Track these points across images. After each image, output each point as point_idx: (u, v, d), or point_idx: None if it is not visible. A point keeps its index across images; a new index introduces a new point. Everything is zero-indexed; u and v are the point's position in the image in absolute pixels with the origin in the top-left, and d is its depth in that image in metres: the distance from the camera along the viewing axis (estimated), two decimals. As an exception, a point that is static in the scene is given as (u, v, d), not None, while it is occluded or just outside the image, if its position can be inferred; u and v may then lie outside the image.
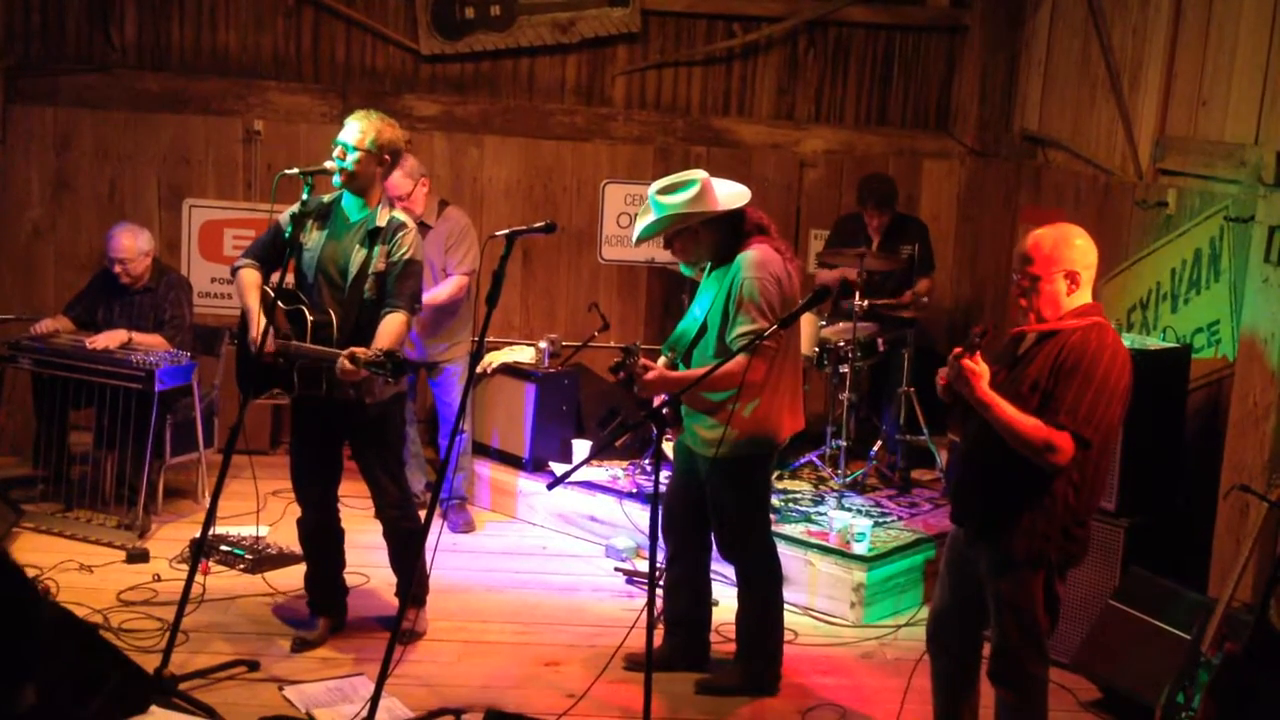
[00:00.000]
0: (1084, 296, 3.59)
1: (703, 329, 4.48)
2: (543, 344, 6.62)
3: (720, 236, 4.47)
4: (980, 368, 3.49)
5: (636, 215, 4.61)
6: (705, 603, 4.88)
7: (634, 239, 4.67)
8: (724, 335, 4.38)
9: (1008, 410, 3.47)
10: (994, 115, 7.50)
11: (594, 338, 6.64)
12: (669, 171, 7.51)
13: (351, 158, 4.56)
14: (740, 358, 4.23)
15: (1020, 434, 3.45)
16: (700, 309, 4.53)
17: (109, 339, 5.95)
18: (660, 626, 4.77)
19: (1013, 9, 7.35)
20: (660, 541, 4.58)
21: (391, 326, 4.50)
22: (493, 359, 6.71)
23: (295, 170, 4.56)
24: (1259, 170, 4.83)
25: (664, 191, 4.43)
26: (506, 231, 4.11)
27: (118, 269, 6.13)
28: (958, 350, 3.51)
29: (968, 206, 7.74)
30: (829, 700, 4.65)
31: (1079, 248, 3.57)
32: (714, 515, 4.62)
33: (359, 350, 4.31)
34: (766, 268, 4.36)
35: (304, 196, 4.54)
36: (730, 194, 4.47)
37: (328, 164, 4.60)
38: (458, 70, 7.46)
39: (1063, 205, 6.60)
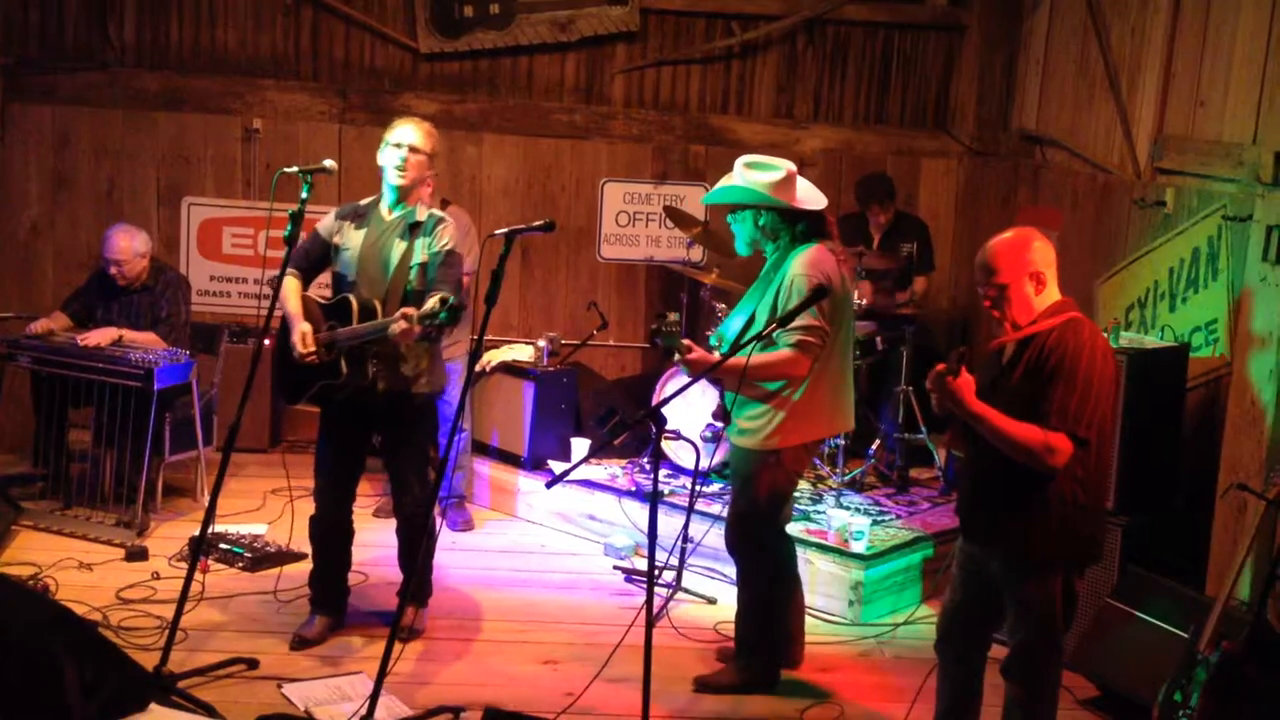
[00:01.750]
0: (1052, 295, 3.60)
1: (750, 321, 4.50)
2: (541, 342, 6.63)
3: (782, 230, 4.50)
4: (966, 378, 3.50)
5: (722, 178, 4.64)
6: (777, 625, 4.73)
7: (704, 198, 4.70)
8: None
9: (1001, 420, 3.47)
10: (992, 114, 7.50)
11: (593, 336, 6.65)
12: (668, 170, 7.58)
13: (417, 160, 4.66)
14: (783, 350, 4.30)
15: (1016, 441, 3.45)
16: (752, 301, 4.56)
17: (100, 336, 5.94)
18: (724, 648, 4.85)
19: (1011, 8, 7.35)
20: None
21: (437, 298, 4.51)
22: (491, 357, 6.71)
23: (294, 169, 4.58)
24: (1257, 170, 4.83)
25: (751, 166, 4.49)
26: (505, 230, 4.12)
27: (113, 270, 6.11)
28: (940, 368, 3.51)
29: (966, 206, 7.74)
30: (827, 699, 4.66)
31: (1038, 249, 3.59)
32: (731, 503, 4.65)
33: (409, 309, 4.33)
34: (818, 266, 4.38)
35: (303, 195, 4.55)
36: (808, 195, 4.53)
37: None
38: (456, 69, 7.46)
39: (1061, 204, 6.61)
